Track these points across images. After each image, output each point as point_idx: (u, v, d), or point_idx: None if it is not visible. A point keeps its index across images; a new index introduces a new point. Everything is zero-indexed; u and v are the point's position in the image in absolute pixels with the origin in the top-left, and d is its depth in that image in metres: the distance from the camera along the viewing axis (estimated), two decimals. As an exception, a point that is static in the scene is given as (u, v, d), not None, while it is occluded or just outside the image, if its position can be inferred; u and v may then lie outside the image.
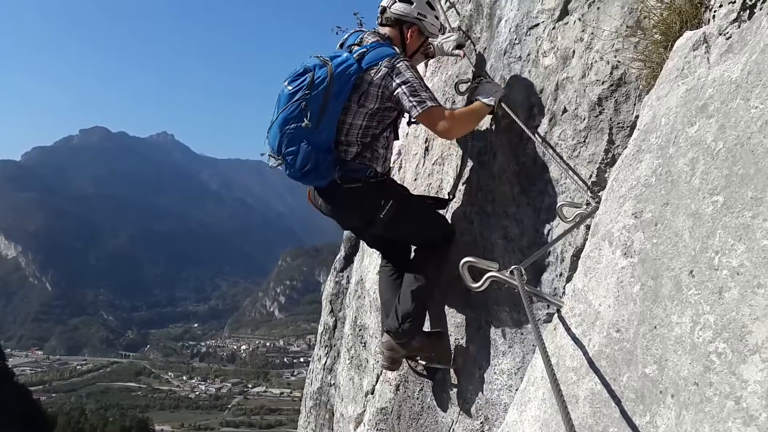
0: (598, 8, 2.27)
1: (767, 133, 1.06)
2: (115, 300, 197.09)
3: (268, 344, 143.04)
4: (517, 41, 2.78)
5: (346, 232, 6.47)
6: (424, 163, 3.81)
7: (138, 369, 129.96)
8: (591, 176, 2.29)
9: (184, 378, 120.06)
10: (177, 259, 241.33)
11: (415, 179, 3.91)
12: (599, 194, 2.06)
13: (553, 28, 2.51)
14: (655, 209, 1.27)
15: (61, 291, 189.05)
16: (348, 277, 5.98)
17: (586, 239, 2.02)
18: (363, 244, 5.03)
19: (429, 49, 3.32)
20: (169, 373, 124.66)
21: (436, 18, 3.10)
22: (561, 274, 2.39)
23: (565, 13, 2.47)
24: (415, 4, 3.02)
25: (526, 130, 2.53)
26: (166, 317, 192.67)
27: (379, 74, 2.80)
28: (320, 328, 6.72)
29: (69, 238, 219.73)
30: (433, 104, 2.74)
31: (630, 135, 2.10)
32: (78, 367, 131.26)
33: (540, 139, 2.51)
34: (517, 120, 2.58)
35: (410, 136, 4.17)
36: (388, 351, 3.11)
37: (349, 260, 6.16)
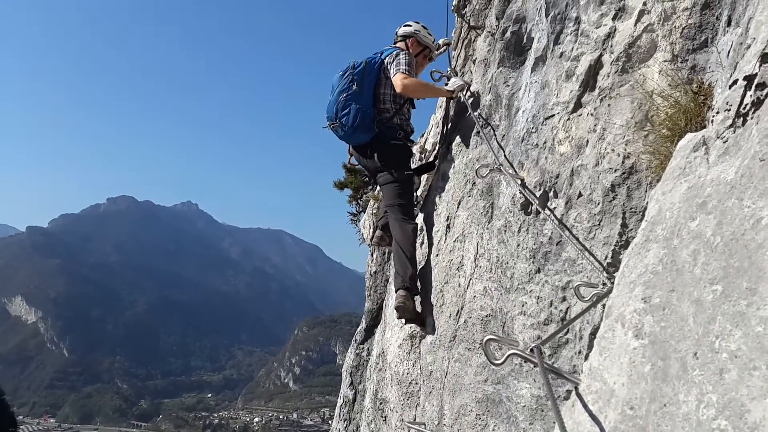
0: (609, 104, 2.47)
1: (759, 230, 1.19)
2: (130, 368, 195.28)
3: (281, 417, 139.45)
4: (534, 130, 2.98)
5: (367, 305, 6.57)
6: (445, 239, 3.96)
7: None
8: (606, 258, 2.41)
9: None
10: (193, 328, 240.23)
11: (437, 255, 4.04)
12: (614, 275, 2.17)
13: (568, 119, 2.71)
14: (662, 295, 1.39)
15: (78, 358, 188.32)
16: (369, 349, 6.03)
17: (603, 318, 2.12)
18: (385, 317, 5.12)
19: (429, 54, 4.96)
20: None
21: (429, 34, 4.89)
22: (580, 352, 2.47)
23: (578, 105, 2.67)
24: (413, 27, 4.86)
25: (542, 212, 2.68)
26: (181, 386, 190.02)
27: (390, 58, 4.48)
28: (339, 401, 6.71)
29: (88, 305, 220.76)
30: (405, 70, 4.32)
31: (642, 220, 2.24)
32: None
33: (557, 221, 2.65)
34: (534, 202, 2.75)
35: (433, 215, 4.34)
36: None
37: (370, 332, 6.23)
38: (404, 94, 4.43)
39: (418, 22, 4.91)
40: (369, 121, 4.41)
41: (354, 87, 4.39)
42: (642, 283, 1.47)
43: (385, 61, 4.51)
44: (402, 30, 4.90)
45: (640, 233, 1.64)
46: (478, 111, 3.80)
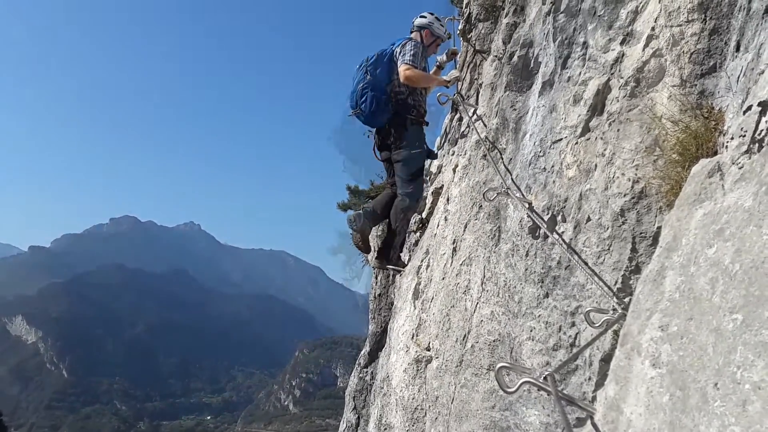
0: (618, 128, 2.46)
1: (779, 258, 1.17)
2: (129, 389, 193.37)
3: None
4: (541, 153, 2.97)
5: (371, 327, 6.52)
6: (452, 263, 3.94)
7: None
8: (616, 283, 2.38)
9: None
10: (193, 349, 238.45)
11: (443, 278, 4.02)
12: (624, 300, 2.15)
13: (576, 143, 2.70)
14: (680, 323, 1.37)
15: (77, 378, 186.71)
16: (372, 373, 5.96)
17: (613, 344, 2.09)
18: (389, 340, 5.07)
19: (440, 43, 5.54)
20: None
21: (441, 26, 5.42)
22: (589, 378, 2.43)
23: (586, 130, 2.67)
24: (427, 19, 5.36)
25: (551, 236, 2.66)
26: (180, 408, 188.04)
27: (399, 48, 5.06)
28: (342, 426, 6.62)
29: (89, 325, 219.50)
30: (409, 62, 4.91)
31: (652, 245, 2.22)
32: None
33: (565, 245, 2.63)
34: (543, 226, 2.73)
35: (438, 237, 4.32)
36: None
37: (373, 356, 6.17)
38: (406, 84, 5.02)
39: (432, 14, 5.46)
40: (384, 105, 5.09)
41: (368, 77, 5.09)
42: (659, 311, 1.45)
43: (395, 51, 5.12)
44: (417, 21, 5.45)
45: (655, 260, 1.62)
46: (485, 134, 3.80)
